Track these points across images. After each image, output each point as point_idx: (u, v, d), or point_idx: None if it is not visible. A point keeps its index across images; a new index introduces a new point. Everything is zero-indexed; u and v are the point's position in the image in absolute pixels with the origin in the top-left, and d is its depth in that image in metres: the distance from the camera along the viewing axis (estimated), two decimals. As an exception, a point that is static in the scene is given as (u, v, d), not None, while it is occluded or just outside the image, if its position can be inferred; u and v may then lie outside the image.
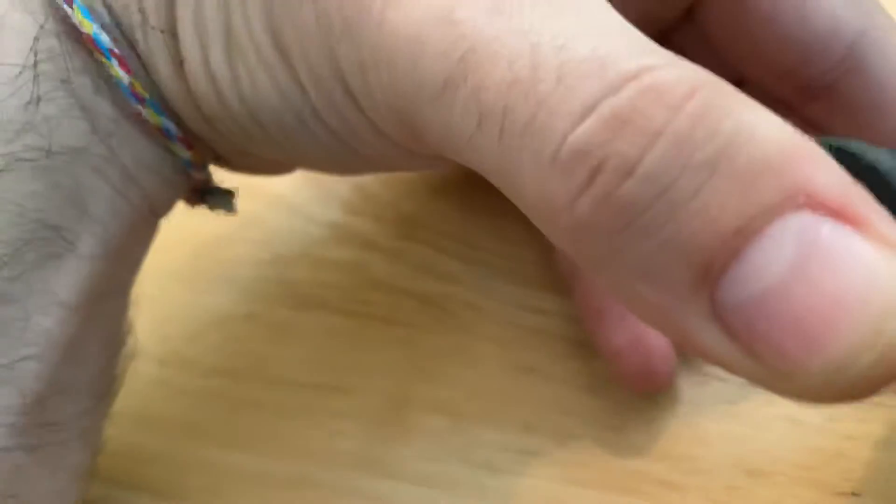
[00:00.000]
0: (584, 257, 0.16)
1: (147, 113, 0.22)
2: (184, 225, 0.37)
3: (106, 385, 0.25)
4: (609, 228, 0.15)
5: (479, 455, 0.30)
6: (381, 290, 0.35)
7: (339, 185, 0.37)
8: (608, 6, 0.17)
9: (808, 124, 0.28)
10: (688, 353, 0.15)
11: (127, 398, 0.33)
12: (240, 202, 0.37)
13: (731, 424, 0.30)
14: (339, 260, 0.35)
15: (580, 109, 0.15)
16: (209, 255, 0.36)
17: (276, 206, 0.37)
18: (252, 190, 0.37)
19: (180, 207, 0.37)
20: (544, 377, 0.32)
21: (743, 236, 0.14)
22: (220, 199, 0.25)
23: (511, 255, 0.34)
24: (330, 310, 0.34)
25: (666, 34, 0.29)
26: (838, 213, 0.14)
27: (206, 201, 0.26)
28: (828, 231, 0.14)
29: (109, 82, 0.21)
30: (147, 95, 0.21)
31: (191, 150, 0.23)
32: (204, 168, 0.24)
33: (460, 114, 0.17)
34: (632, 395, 0.31)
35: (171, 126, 0.22)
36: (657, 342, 0.29)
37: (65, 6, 0.21)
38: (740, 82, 0.28)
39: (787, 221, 0.14)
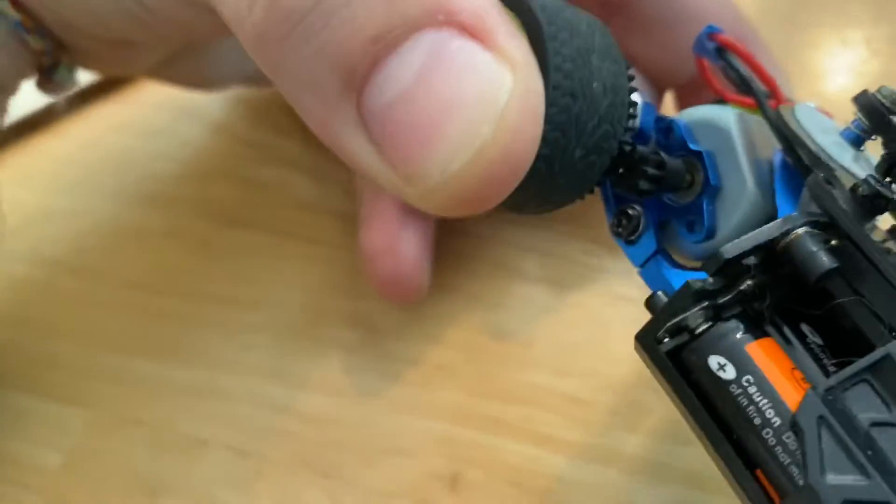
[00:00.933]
0: (265, 68, 0.17)
1: None
2: (110, 143, 0.37)
3: None
4: (276, 35, 0.16)
5: (390, 368, 0.30)
6: (306, 210, 0.34)
7: (269, 106, 0.37)
8: None
9: None
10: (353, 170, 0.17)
11: (38, 308, 0.33)
12: (168, 121, 0.37)
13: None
14: (265, 179, 0.35)
15: None
16: (134, 172, 0.36)
17: (205, 125, 0.37)
18: (180, 109, 0.37)
19: (107, 124, 0.37)
20: (462, 295, 0.32)
21: (382, 46, 0.15)
22: (65, 73, 0.25)
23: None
24: (253, 228, 0.34)
25: None
26: (471, 31, 0.15)
27: (54, 79, 0.25)
28: (456, 45, 0.15)
29: None
30: None
31: (17, 9, 0.22)
32: (41, 37, 0.24)
33: None
34: (543, 313, 0.31)
35: None
36: (410, 250, 0.29)
37: None
38: None
39: (423, 35, 0.15)
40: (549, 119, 0.16)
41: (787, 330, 0.15)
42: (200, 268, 0.33)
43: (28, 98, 0.27)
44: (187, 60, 0.29)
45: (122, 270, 0.33)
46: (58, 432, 0.30)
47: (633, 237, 0.19)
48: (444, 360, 0.30)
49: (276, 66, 0.16)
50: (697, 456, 0.28)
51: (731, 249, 0.15)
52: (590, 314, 0.31)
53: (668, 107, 0.31)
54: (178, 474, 0.29)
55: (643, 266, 0.19)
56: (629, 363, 0.30)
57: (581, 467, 0.28)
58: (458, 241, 0.32)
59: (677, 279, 0.18)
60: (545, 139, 0.16)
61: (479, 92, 0.15)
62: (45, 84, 0.26)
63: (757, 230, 0.16)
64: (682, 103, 0.30)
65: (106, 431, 0.30)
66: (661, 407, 0.29)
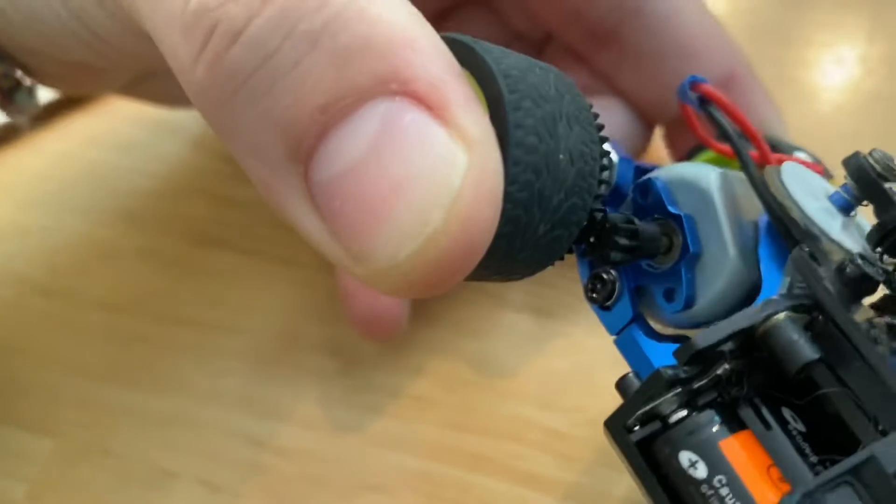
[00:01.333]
0: (210, 125, 0.16)
1: None
2: (83, 157, 0.36)
3: None
4: (220, 95, 0.15)
5: (368, 399, 0.29)
6: (283, 229, 0.33)
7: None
8: None
9: (600, 77, 0.28)
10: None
11: (4, 329, 0.32)
12: (144, 135, 0.36)
13: (626, 375, 0.29)
14: (242, 197, 0.34)
15: None
16: (107, 188, 0.35)
17: (181, 140, 0.36)
18: (156, 123, 0.36)
19: (81, 138, 0.36)
20: (443, 323, 0.30)
21: (330, 115, 0.14)
22: (24, 96, 0.24)
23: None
24: (229, 248, 0.33)
25: None
26: (426, 102, 0.14)
27: (14, 101, 0.24)
28: (409, 118, 0.14)
29: None
30: None
31: None
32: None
33: None
34: (527, 343, 0.30)
35: None
36: None
37: None
38: (548, 39, 0.29)
39: (375, 106, 0.14)
40: (509, 197, 0.14)
41: (766, 413, 0.14)
42: (174, 289, 0.32)
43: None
44: (157, 80, 0.28)
45: (92, 291, 0.32)
46: (22, 461, 0.29)
47: (608, 303, 0.18)
48: (424, 391, 0.29)
49: (219, 125, 0.15)
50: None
51: (703, 339, 0.14)
52: (576, 344, 0.30)
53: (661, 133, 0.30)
54: (146, 508, 0.28)
55: (619, 334, 0.18)
56: (616, 396, 0.29)
57: (564, 507, 0.27)
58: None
59: (654, 352, 0.17)
60: (505, 217, 0.14)
61: (431, 173, 0.14)
62: (5, 106, 0.25)
63: (733, 316, 0.14)
64: (672, 138, 0.29)
65: (72, 461, 0.29)
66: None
